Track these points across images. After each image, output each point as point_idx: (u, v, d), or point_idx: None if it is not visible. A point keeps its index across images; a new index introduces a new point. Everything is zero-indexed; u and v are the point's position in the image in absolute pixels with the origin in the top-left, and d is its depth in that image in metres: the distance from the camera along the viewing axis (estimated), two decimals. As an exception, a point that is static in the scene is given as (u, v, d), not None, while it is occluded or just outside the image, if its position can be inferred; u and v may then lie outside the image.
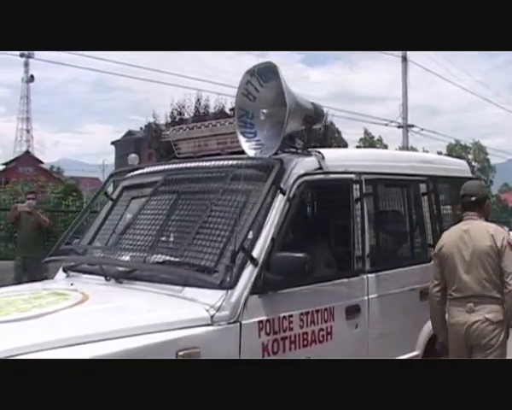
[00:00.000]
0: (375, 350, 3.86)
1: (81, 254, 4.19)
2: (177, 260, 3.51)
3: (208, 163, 3.87)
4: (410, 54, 23.10)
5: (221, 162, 3.80)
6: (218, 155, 4.15)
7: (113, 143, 58.15)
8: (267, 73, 3.66)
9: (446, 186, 4.93)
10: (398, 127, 23.67)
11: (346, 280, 3.79)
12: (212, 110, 22.05)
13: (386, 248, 4.24)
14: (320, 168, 3.74)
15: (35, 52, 38.17)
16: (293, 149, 3.82)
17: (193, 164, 3.99)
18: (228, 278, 3.15)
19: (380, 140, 43.14)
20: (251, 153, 3.71)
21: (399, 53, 22.87)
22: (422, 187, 4.57)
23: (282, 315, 3.35)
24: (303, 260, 3.26)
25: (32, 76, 57.36)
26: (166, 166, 4.15)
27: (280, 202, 3.46)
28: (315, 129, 3.96)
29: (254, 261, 3.26)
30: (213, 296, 3.10)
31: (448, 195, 4.97)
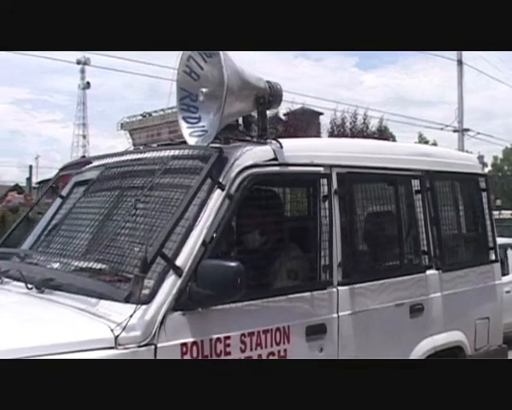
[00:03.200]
0: None
1: (22, 259, 3.72)
2: (97, 267, 2.97)
3: (145, 154, 3.32)
4: (465, 56, 22.43)
5: (157, 153, 3.22)
6: (170, 144, 3.59)
7: (168, 146, 58.44)
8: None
9: (448, 183, 4.17)
10: (454, 131, 22.90)
11: (307, 294, 3.14)
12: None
13: (365, 256, 3.55)
14: (275, 159, 3.11)
15: (91, 59, 38.92)
16: (249, 138, 3.22)
17: (130, 156, 3.43)
18: (138, 291, 2.58)
19: (435, 144, 41.62)
20: (191, 141, 3.14)
21: (454, 56, 22.15)
22: (415, 183, 3.82)
23: (215, 337, 2.76)
24: (236, 270, 2.65)
25: (88, 83, 58.16)
26: (108, 160, 3.60)
27: (217, 198, 2.87)
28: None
29: (178, 270, 2.69)
30: (123, 313, 2.55)
31: (451, 193, 4.21)
